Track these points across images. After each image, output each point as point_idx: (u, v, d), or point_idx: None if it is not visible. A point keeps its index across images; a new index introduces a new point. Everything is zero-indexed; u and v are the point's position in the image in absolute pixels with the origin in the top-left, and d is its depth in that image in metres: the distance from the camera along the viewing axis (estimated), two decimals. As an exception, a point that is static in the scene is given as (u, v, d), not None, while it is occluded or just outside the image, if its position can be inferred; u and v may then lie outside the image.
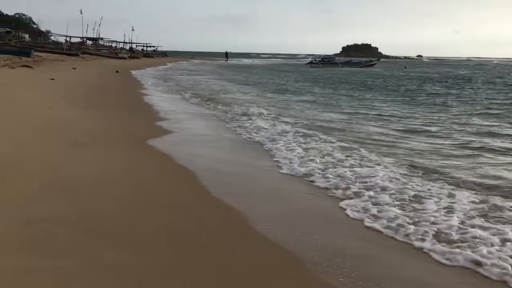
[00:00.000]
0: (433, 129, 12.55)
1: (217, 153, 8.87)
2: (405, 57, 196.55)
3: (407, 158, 8.53)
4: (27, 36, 69.90)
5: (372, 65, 76.57)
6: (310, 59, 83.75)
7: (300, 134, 10.70)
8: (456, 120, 14.30)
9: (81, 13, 74.70)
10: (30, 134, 8.84)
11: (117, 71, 34.20)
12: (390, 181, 6.69)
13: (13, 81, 18.44)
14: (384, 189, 6.29)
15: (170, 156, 8.15)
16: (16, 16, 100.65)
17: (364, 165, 7.74)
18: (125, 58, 61.52)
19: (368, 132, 11.74)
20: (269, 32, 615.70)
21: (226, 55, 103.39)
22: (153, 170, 7.27)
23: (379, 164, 7.80)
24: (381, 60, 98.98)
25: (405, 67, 79.30)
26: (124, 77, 30.58)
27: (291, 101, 19.46)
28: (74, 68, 31.81)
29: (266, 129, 11.40)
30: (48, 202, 5.20)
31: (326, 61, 79.24)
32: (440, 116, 15.27)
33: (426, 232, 4.76)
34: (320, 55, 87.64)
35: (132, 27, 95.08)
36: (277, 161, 8.20)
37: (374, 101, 20.30)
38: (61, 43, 64.92)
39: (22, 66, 28.08)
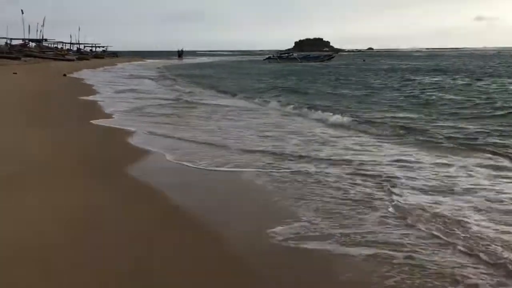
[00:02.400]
0: None
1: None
2: (357, 50, 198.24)
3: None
4: (-39, 40, 64.18)
5: (330, 58, 75.70)
6: (268, 55, 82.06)
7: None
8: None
9: (22, 13, 68.82)
10: None
11: (64, 74, 30.97)
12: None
13: None
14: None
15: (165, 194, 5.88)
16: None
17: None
18: (73, 60, 57.49)
19: None
20: (222, 29, 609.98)
21: (179, 53, 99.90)
22: (154, 220, 5.02)
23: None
24: (338, 53, 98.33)
25: (364, 60, 79.22)
26: (74, 81, 27.40)
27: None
28: (15, 73, 28.33)
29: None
30: None
31: (284, 56, 78.03)
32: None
33: None
34: (278, 50, 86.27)
35: (79, 27, 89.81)
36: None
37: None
38: (0, 46, 59.85)
39: (-48, 73, 24.49)
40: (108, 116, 12.80)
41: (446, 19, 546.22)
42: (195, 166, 7.39)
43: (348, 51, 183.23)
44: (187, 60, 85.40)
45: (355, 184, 6.39)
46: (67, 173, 6.65)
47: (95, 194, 5.80)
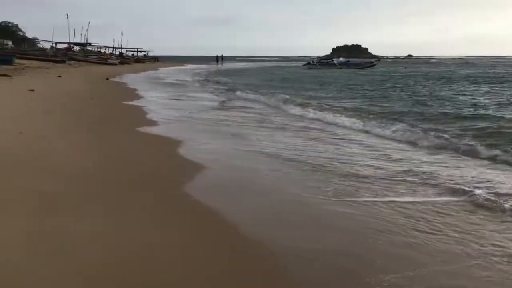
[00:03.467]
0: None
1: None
2: (396, 57, 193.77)
3: None
4: (10, 42, 65.99)
5: (372, 66, 73.87)
6: (308, 61, 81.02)
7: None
8: None
9: (67, 17, 70.16)
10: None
11: (107, 78, 30.90)
12: None
13: (-18, 94, 15.02)
14: None
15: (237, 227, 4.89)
16: (2, 24, 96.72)
17: None
18: (115, 64, 58.05)
19: None
20: (260, 35, 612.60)
21: (217, 59, 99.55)
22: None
23: None
24: (380, 60, 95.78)
25: (406, 67, 77.17)
26: (117, 85, 27.18)
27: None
28: (60, 76, 28.40)
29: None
30: None
31: (323, 62, 76.82)
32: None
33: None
34: (318, 56, 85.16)
35: (122, 31, 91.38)
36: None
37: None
38: (46, 50, 61.11)
39: (-1, 75, 24.57)
40: (155, 123, 12.10)
41: (489, 26, 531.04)
42: (310, 195, 5.97)
43: (387, 57, 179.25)
44: (226, 66, 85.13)
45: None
46: (118, 192, 5.86)
47: (155, 222, 4.95)
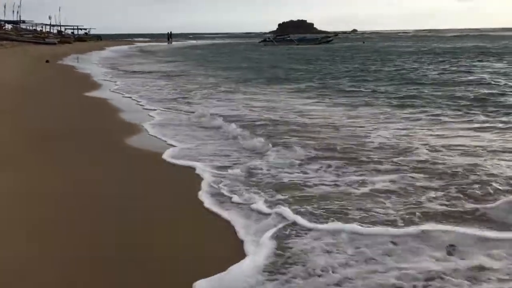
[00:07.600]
0: None
1: None
2: (342, 32, 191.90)
3: None
4: None
5: (329, 41, 71.49)
6: (264, 38, 77.42)
7: None
8: None
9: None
10: None
11: (47, 61, 25.69)
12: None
13: None
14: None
15: None
16: None
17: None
18: (55, 44, 51.65)
19: None
20: (202, 11, 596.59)
21: (168, 37, 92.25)
22: None
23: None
24: (337, 36, 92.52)
25: (363, 42, 75.20)
26: (64, 70, 22.18)
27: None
28: (-13, 59, 23.06)
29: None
30: None
31: (280, 39, 73.74)
32: None
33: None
34: (272, 32, 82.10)
35: (59, 7, 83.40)
36: None
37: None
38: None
39: None
40: (141, 129, 7.90)
41: (424, 1, 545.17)
42: None
43: (334, 33, 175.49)
44: (177, 43, 78.98)
45: None
46: None
47: None
